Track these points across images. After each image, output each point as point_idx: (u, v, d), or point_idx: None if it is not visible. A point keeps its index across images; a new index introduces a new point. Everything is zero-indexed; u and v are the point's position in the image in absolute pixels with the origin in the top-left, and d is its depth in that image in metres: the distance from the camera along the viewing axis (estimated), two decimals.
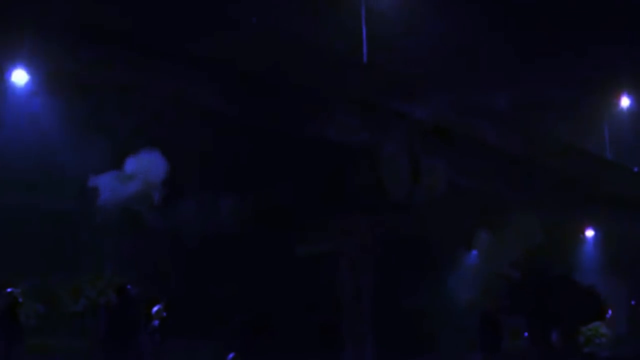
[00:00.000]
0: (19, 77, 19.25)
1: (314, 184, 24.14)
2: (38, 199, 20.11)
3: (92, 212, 20.59)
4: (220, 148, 22.10)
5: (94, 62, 19.57)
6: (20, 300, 16.52)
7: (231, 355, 18.70)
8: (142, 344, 17.58)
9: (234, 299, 21.74)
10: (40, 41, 18.27)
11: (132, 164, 21.21)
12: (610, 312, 30.68)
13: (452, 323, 26.03)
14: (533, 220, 28.48)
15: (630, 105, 35.22)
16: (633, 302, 32.36)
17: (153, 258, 21.39)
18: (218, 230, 22.19)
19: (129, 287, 18.39)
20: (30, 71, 19.21)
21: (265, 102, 22.43)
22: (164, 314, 18.35)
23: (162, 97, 21.23)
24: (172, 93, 21.38)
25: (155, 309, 18.23)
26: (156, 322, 18.20)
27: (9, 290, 16.20)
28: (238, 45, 21.30)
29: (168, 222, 21.42)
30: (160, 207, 21.36)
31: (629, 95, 34.98)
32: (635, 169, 35.05)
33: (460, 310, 25.89)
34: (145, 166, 21.14)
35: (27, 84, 19.35)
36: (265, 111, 22.65)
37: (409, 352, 24.38)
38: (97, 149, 20.16)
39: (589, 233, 34.18)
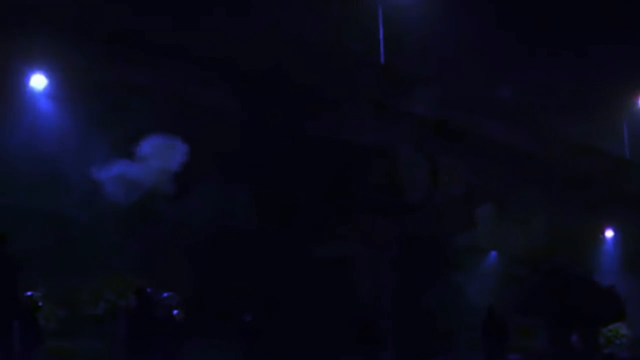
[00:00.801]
0: (38, 81, 19.36)
1: (330, 184, 24.09)
2: (50, 200, 20.16)
3: (103, 208, 20.63)
4: (237, 148, 22.12)
5: (102, 61, 19.69)
6: (40, 304, 16.56)
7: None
8: (162, 347, 17.59)
9: (245, 298, 21.74)
10: (53, 42, 18.39)
11: (145, 149, 21.18)
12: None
13: (469, 323, 25.92)
14: (541, 218, 28.32)
15: None
16: None
17: (166, 255, 21.39)
18: (232, 229, 22.23)
19: (148, 289, 18.40)
20: (48, 75, 19.33)
21: (283, 103, 22.46)
22: (183, 316, 18.39)
23: (179, 97, 21.31)
24: (192, 93, 21.50)
25: (174, 312, 18.25)
26: None
27: (28, 293, 16.21)
28: (252, 45, 21.38)
29: (180, 216, 21.46)
30: (171, 203, 21.37)
31: None
32: None
33: (476, 310, 25.76)
34: (159, 152, 21.12)
35: (45, 88, 19.46)
36: (283, 112, 22.68)
37: (427, 352, 24.32)
38: (109, 149, 20.25)
39: (609, 233, 33.92)
